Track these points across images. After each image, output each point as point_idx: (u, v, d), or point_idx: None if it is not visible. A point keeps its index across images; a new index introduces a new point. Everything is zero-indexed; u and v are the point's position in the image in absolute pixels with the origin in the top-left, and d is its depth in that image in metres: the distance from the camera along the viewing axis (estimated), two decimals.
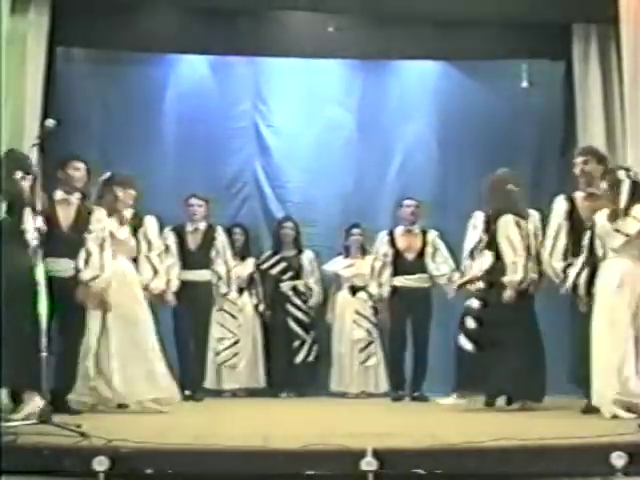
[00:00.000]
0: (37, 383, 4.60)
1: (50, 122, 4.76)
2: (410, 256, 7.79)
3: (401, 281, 7.72)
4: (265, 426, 4.97)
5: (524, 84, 8.46)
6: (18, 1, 7.40)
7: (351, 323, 8.21)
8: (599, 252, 5.70)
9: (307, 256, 8.46)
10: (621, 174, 5.72)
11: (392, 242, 7.82)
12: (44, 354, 4.65)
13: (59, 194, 5.92)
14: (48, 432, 3.90)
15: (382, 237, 7.88)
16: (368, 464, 3.48)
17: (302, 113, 9.04)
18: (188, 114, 8.74)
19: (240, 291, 8.23)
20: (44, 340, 4.59)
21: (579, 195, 6.29)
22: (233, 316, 8.15)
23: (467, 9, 7.68)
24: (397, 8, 7.79)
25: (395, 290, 7.74)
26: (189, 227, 7.81)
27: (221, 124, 8.85)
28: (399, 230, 7.88)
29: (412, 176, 8.83)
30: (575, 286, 5.86)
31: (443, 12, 7.76)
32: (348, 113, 9.05)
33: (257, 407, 7.15)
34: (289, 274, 8.39)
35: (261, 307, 8.31)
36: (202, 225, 7.84)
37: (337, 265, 8.39)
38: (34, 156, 4.72)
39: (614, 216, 5.60)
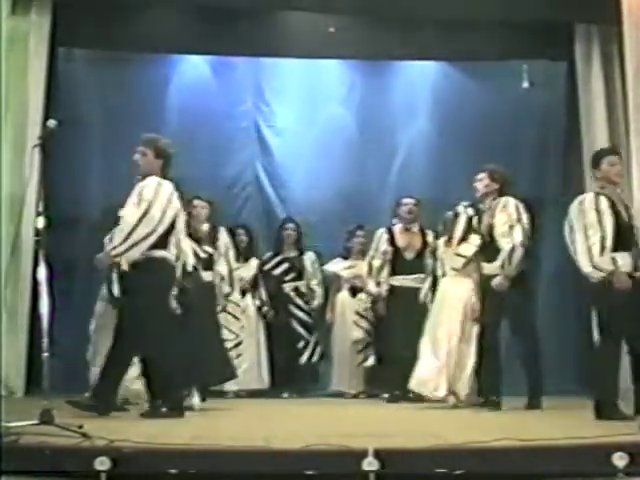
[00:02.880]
0: None
1: (52, 122, 4.74)
2: (409, 255, 7.72)
3: (399, 281, 7.66)
4: (266, 426, 4.97)
5: (525, 84, 8.46)
6: (20, 2, 7.42)
7: (351, 324, 8.21)
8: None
9: (309, 257, 8.46)
10: (459, 208, 6.77)
11: (392, 240, 7.77)
12: (45, 354, 4.63)
13: None
14: (50, 432, 3.89)
15: (381, 235, 7.78)
16: (369, 464, 3.48)
17: (303, 113, 9.06)
18: (189, 114, 8.75)
19: (243, 293, 8.22)
20: (45, 341, 4.57)
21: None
22: (236, 317, 8.14)
23: (468, 10, 7.68)
24: (397, 9, 7.80)
25: (392, 289, 7.67)
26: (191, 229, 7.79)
27: (222, 124, 8.87)
28: (398, 228, 7.80)
29: (412, 176, 8.83)
30: None
31: (444, 12, 7.77)
32: (349, 113, 9.07)
33: (259, 407, 7.15)
34: (291, 275, 8.39)
35: (264, 309, 8.31)
36: (205, 227, 7.82)
37: (337, 266, 8.38)
38: (36, 157, 4.72)
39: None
